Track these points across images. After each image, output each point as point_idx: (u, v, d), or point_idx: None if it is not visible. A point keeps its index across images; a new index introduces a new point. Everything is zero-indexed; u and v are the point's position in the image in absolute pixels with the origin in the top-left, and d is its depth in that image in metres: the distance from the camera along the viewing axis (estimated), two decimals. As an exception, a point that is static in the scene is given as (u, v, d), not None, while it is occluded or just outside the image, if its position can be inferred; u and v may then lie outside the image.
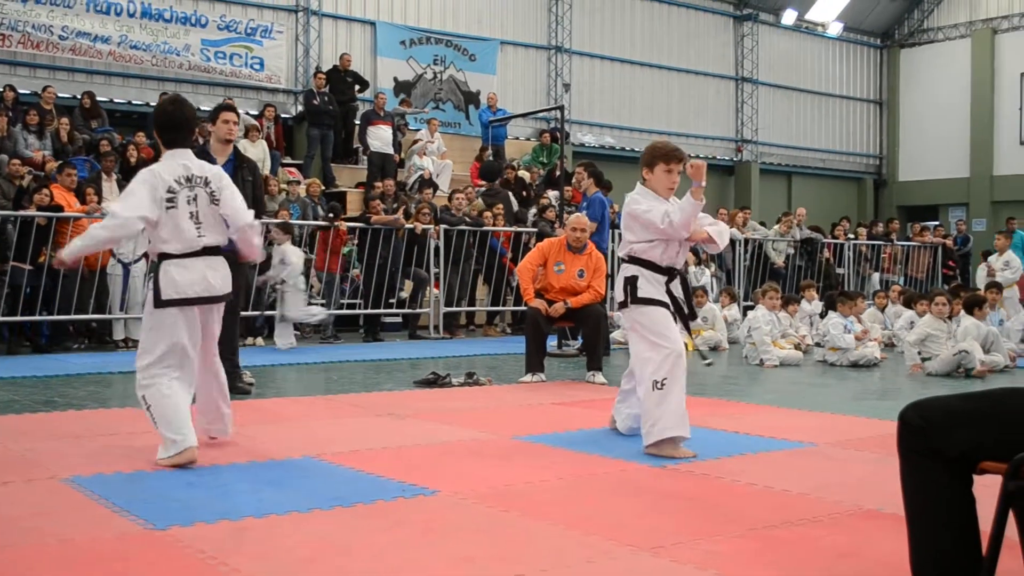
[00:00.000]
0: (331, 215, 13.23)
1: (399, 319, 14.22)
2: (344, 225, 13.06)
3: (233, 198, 5.23)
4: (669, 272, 5.72)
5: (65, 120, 14.28)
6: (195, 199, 5.09)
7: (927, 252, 19.24)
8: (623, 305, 5.72)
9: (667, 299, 5.67)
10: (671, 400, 5.43)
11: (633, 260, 5.71)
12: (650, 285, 5.64)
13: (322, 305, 12.52)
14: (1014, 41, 26.09)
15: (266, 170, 15.01)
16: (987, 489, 2.64)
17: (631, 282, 5.65)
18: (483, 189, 16.74)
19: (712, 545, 3.67)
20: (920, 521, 2.66)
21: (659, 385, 5.45)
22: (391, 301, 13.38)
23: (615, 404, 6.20)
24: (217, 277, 5.16)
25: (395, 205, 14.56)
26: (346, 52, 18.49)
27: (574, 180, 12.97)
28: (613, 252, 13.82)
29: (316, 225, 13.39)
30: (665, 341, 5.50)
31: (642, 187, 5.77)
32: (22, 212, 10.73)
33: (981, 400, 2.66)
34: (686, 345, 5.86)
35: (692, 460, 5.29)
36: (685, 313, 5.83)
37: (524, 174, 18.01)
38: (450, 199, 14.81)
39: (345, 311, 13.54)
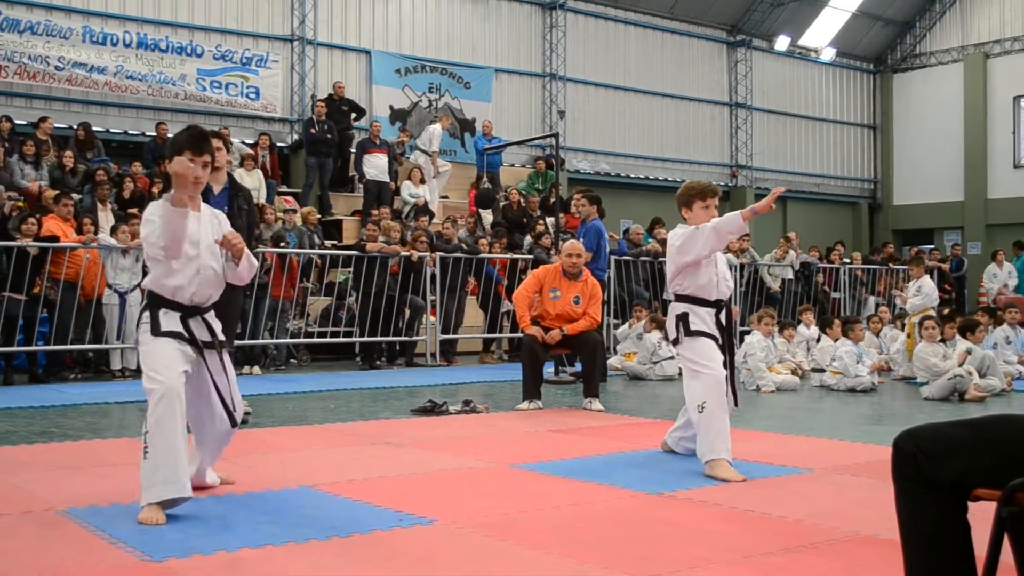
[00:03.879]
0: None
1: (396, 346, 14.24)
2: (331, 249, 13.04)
3: None
4: (717, 304, 6.05)
5: (69, 153, 14.34)
6: None
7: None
8: (675, 342, 6.05)
9: (716, 332, 6.00)
10: (713, 424, 5.71)
11: (681, 298, 6.03)
12: (700, 320, 5.96)
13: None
14: (1006, 65, 26.24)
15: (262, 199, 15.05)
16: (983, 515, 2.64)
17: (682, 319, 5.98)
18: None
19: (709, 573, 3.67)
20: (915, 548, 2.66)
21: (700, 409, 5.76)
22: (400, 326, 13.33)
23: (670, 430, 6.53)
24: None
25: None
26: (339, 80, 18.56)
27: (572, 206, 12.99)
28: (611, 279, 13.86)
29: (312, 254, 13.43)
30: (705, 368, 5.82)
31: (683, 226, 6.11)
32: (17, 243, 10.74)
33: (974, 427, 2.67)
34: None
35: (741, 482, 5.50)
36: (731, 345, 6.15)
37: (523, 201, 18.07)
38: (445, 226, 14.84)
39: (341, 339, 13.56)
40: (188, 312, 4.66)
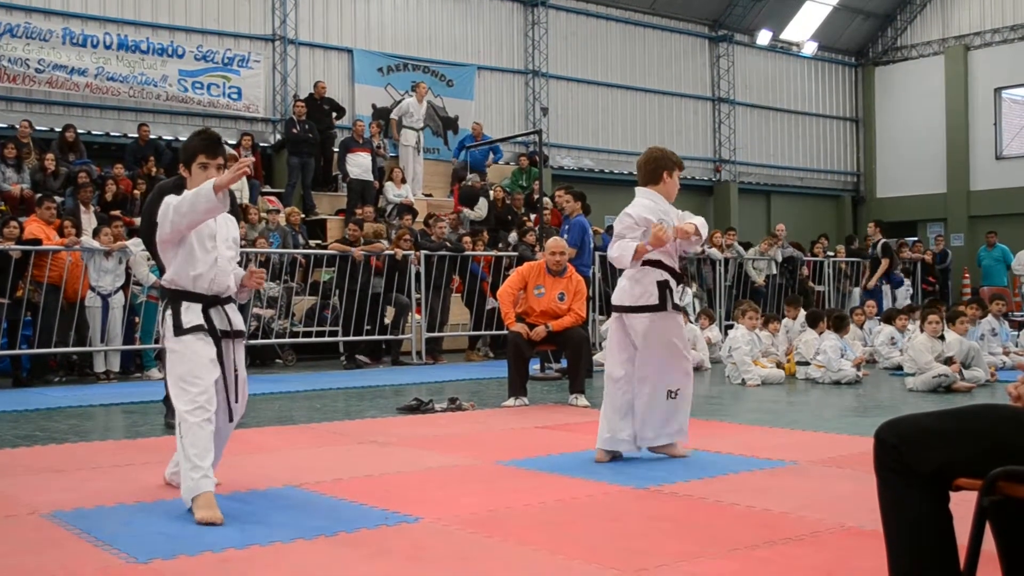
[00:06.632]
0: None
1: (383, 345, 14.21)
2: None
3: None
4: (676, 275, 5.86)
5: (51, 155, 14.26)
6: None
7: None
8: (657, 308, 5.67)
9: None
10: (684, 408, 5.74)
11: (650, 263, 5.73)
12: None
13: None
14: (987, 57, 26.34)
15: (245, 199, 15.01)
16: (966, 504, 2.66)
17: (666, 286, 5.69)
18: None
19: (695, 566, 3.68)
20: (898, 539, 2.68)
21: (674, 395, 5.66)
22: (367, 327, 13.28)
23: None
24: None
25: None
26: (320, 80, 18.51)
27: (555, 202, 12.99)
28: (595, 276, 13.87)
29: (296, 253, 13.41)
30: (689, 357, 5.78)
31: (653, 192, 5.87)
32: None
33: (955, 418, 2.68)
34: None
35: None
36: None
37: (507, 200, 18.05)
38: (427, 224, 14.82)
39: (327, 339, 13.52)
40: (208, 302, 4.74)
